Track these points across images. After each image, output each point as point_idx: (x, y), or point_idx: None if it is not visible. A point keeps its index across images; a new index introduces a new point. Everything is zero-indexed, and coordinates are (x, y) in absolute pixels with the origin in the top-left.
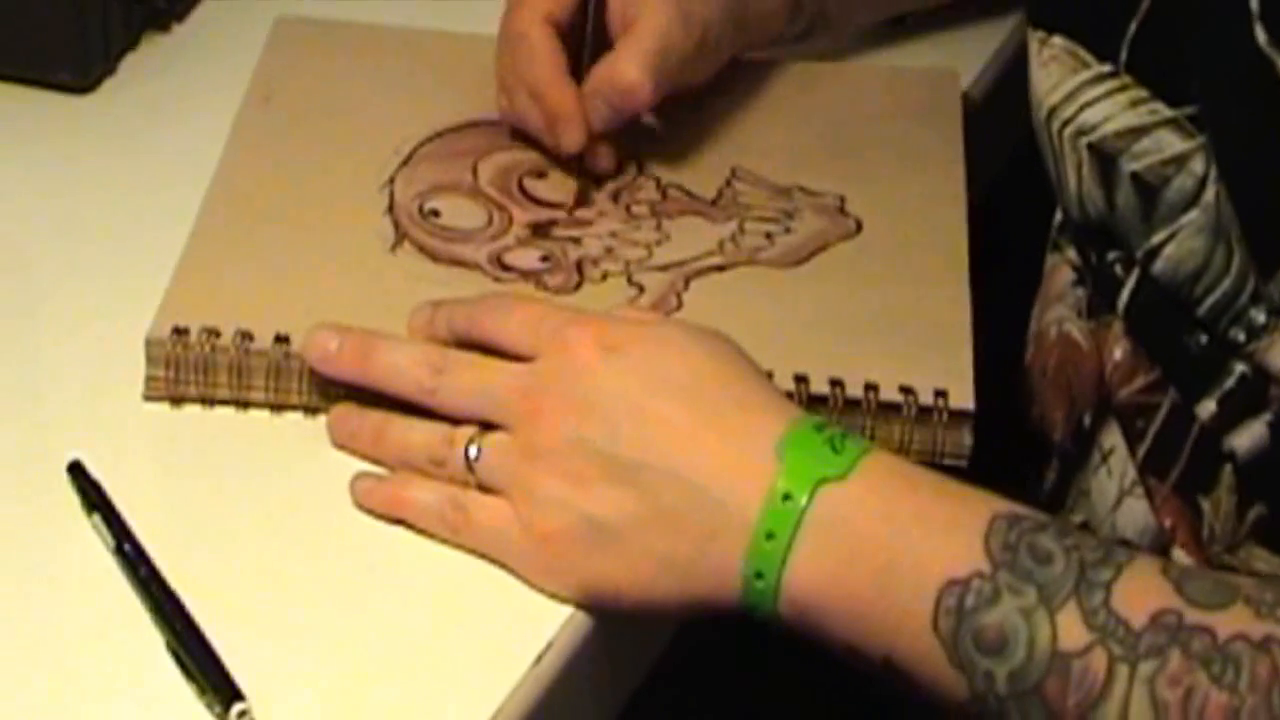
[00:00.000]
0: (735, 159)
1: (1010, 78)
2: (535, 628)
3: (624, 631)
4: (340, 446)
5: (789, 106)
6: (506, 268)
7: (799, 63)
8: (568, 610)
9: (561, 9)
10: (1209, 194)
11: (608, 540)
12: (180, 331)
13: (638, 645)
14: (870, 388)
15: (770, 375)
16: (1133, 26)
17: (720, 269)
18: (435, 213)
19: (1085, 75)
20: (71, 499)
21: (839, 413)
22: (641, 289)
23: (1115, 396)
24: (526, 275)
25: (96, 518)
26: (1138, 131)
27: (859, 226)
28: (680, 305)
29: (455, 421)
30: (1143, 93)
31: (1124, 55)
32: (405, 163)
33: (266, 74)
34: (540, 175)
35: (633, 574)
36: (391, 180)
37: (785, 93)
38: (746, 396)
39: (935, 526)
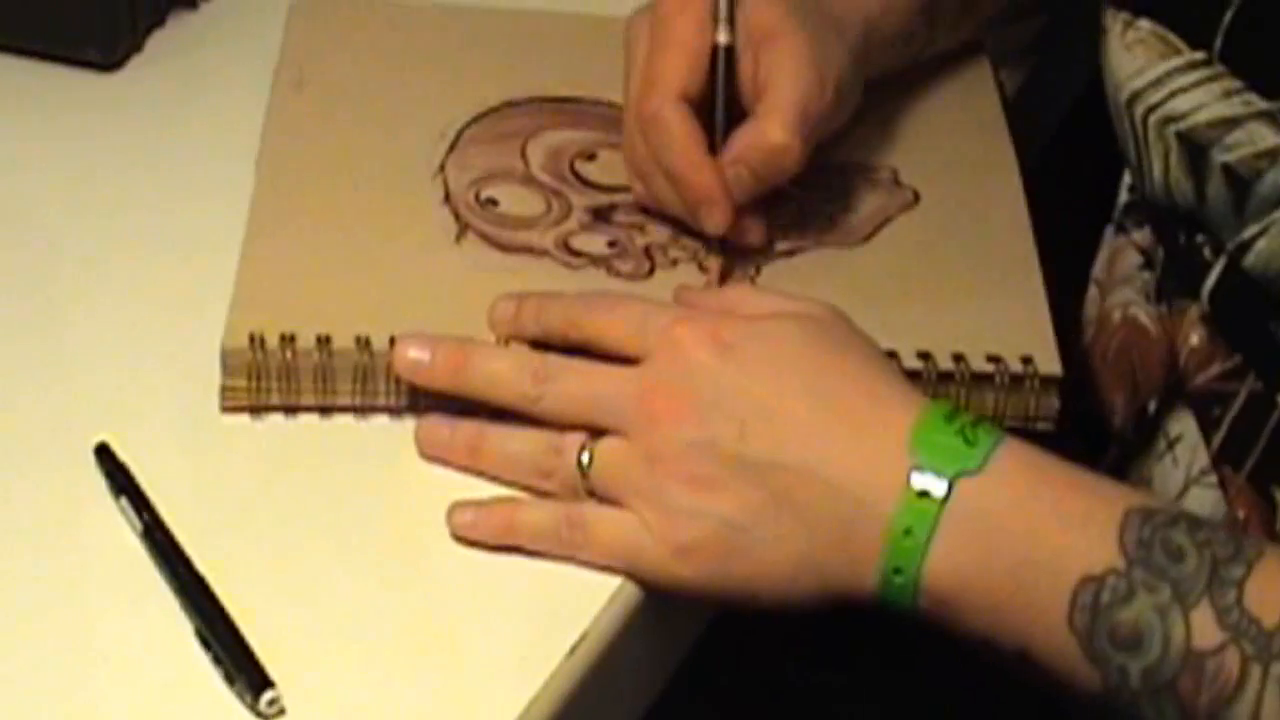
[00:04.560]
0: None
1: (1035, 78)
2: (570, 618)
3: (658, 623)
4: (431, 459)
5: None
6: (575, 253)
7: None
8: (602, 601)
9: (694, 85)
10: None
11: (745, 543)
12: (257, 339)
13: (672, 636)
14: (959, 358)
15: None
16: (1228, 16)
17: (788, 254)
18: (493, 201)
19: (1176, 61)
20: (98, 482)
21: (932, 386)
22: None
23: (1190, 383)
24: (596, 261)
25: (124, 501)
26: (1230, 123)
27: (916, 197)
28: None
29: (559, 429)
30: (1237, 83)
31: (1218, 44)
32: (452, 148)
33: (293, 56)
34: (590, 158)
35: (771, 575)
36: (442, 167)
37: None
38: (873, 386)
39: (1071, 521)
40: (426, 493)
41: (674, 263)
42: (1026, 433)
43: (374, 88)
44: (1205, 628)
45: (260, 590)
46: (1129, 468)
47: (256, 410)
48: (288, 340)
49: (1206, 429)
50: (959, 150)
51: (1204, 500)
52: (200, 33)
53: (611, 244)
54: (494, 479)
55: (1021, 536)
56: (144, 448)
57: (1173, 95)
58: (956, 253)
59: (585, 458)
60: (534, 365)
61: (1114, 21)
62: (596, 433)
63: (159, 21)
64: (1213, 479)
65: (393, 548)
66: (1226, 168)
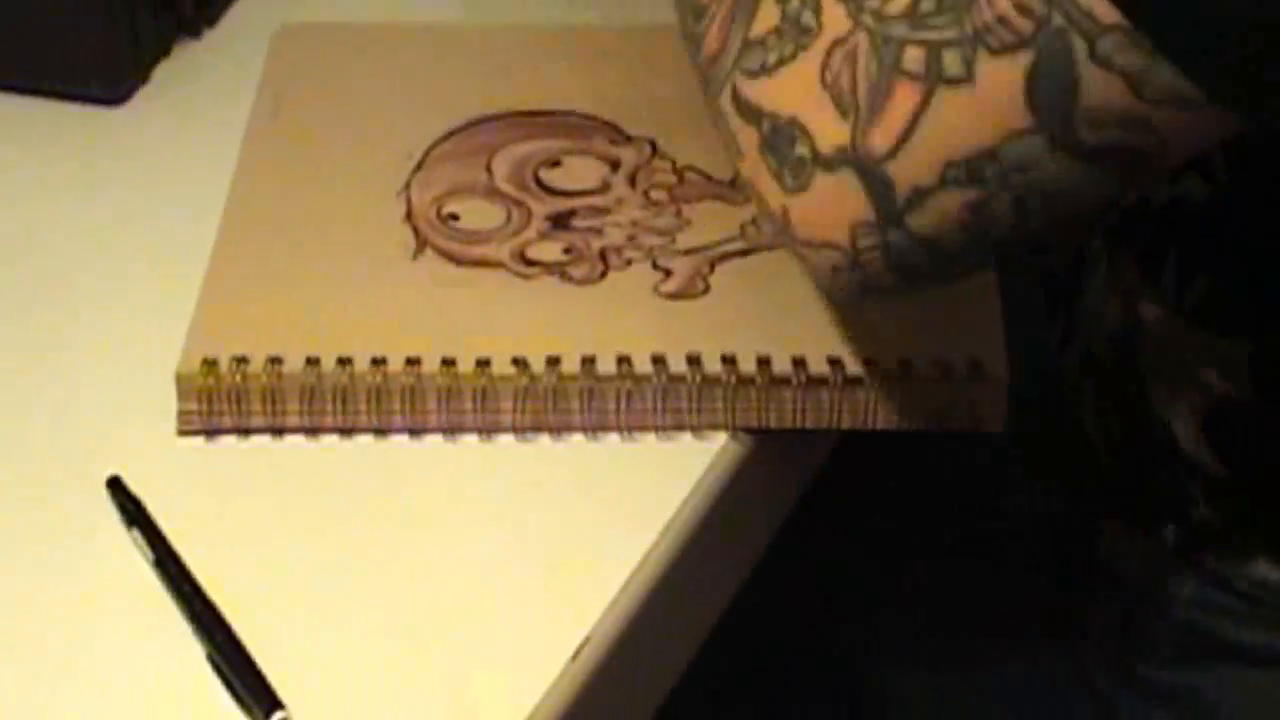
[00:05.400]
0: None
1: None
2: (572, 622)
3: (662, 625)
4: None
5: None
6: (530, 262)
7: None
8: (603, 605)
9: None
10: None
11: None
12: (210, 363)
13: (676, 641)
14: (905, 363)
15: (803, 359)
16: None
17: (744, 253)
18: (454, 216)
19: None
20: (110, 516)
21: (875, 391)
22: (668, 273)
23: None
24: (550, 268)
25: (136, 532)
26: None
27: None
28: (707, 289)
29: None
30: None
31: None
32: (419, 166)
33: (272, 84)
34: (554, 165)
35: None
36: (407, 186)
37: None
38: None
39: None
40: (426, 510)
41: (628, 263)
42: (975, 436)
43: (348, 111)
44: None
45: (270, 614)
46: None
47: (210, 434)
48: (239, 363)
49: None
50: None
51: None
52: (206, 61)
53: (567, 250)
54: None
55: None
56: (152, 477)
57: None
58: None
59: None
60: None
61: None
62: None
63: (164, 52)
64: None
65: (393, 565)
66: None
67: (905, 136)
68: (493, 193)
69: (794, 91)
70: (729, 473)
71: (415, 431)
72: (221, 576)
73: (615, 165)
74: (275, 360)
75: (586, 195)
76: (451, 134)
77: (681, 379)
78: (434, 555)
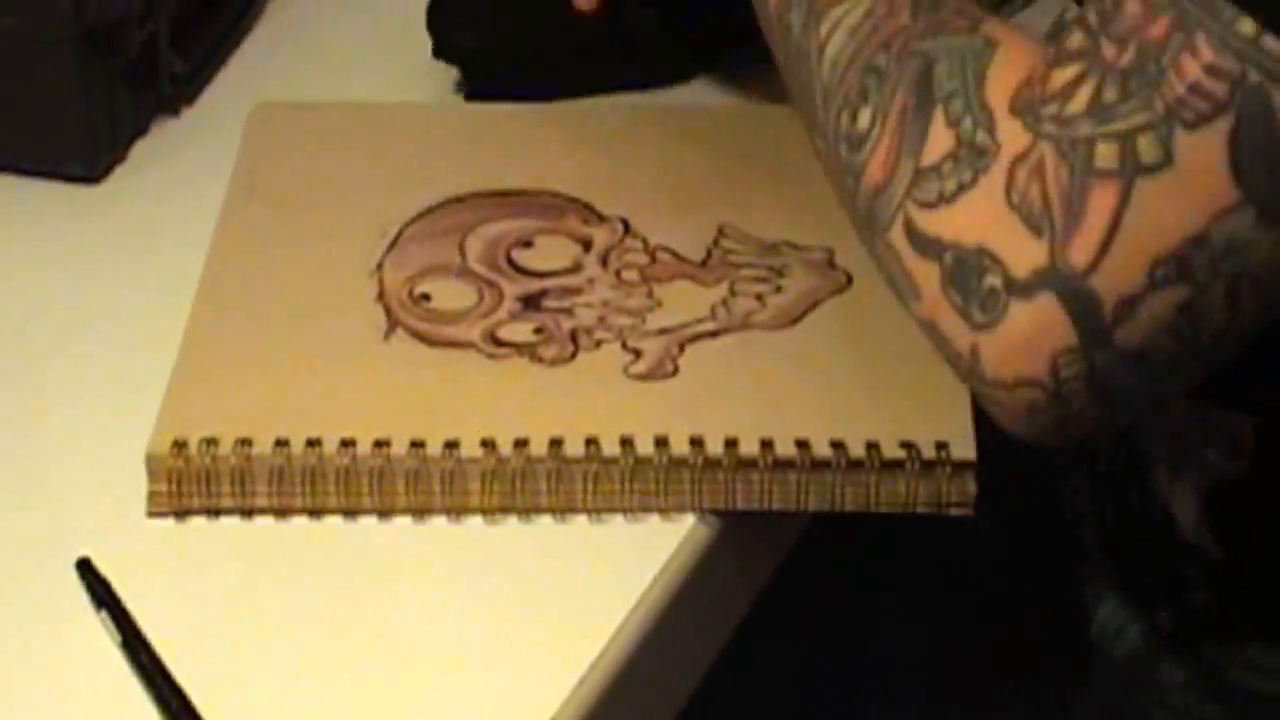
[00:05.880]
0: (722, 215)
1: None
2: (538, 706)
3: (628, 708)
4: None
5: (774, 156)
6: (500, 343)
7: (785, 109)
8: (569, 687)
9: None
10: None
11: None
12: (180, 444)
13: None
14: (872, 446)
15: (770, 442)
16: None
17: (714, 334)
18: (426, 296)
19: None
20: (79, 597)
21: (842, 473)
22: (638, 354)
23: None
24: (520, 349)
25: (104, 614)
26: None
27: (849, 280)
28: (676, 370)
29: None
30: None
31: None
32: (392, 246)
33: (247, 164)
34: (527, 245)
35: None
36: (380, 265)
37: (771, 142)
38: None
39: None
40: (394, 592)
41: (598, 344)
42: (941, 519)
43: (323, 191)
44: None
45: (236, 693)
46: None
47: (180, 514)
48: (209, 444)
49: None
50: None
51: None
52: (184, 140)
53: (538, 330)
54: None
55: None
56: (122, 557)
57: None
58: (883, 338)
59: None
60: None
61: None
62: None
63: (142, 130)
64: None
65: (361, 647)
66: None
67: (1108, 242)
68: (465, 273)
69: (978, 218)
70: (697, 554)
71: (384, 513)
72: (190, 657)
73: (588, 245)
74: (244, 442)
75: (558, 275)
76: (425, 213)
77: (649, 461)
78: (401, 637)
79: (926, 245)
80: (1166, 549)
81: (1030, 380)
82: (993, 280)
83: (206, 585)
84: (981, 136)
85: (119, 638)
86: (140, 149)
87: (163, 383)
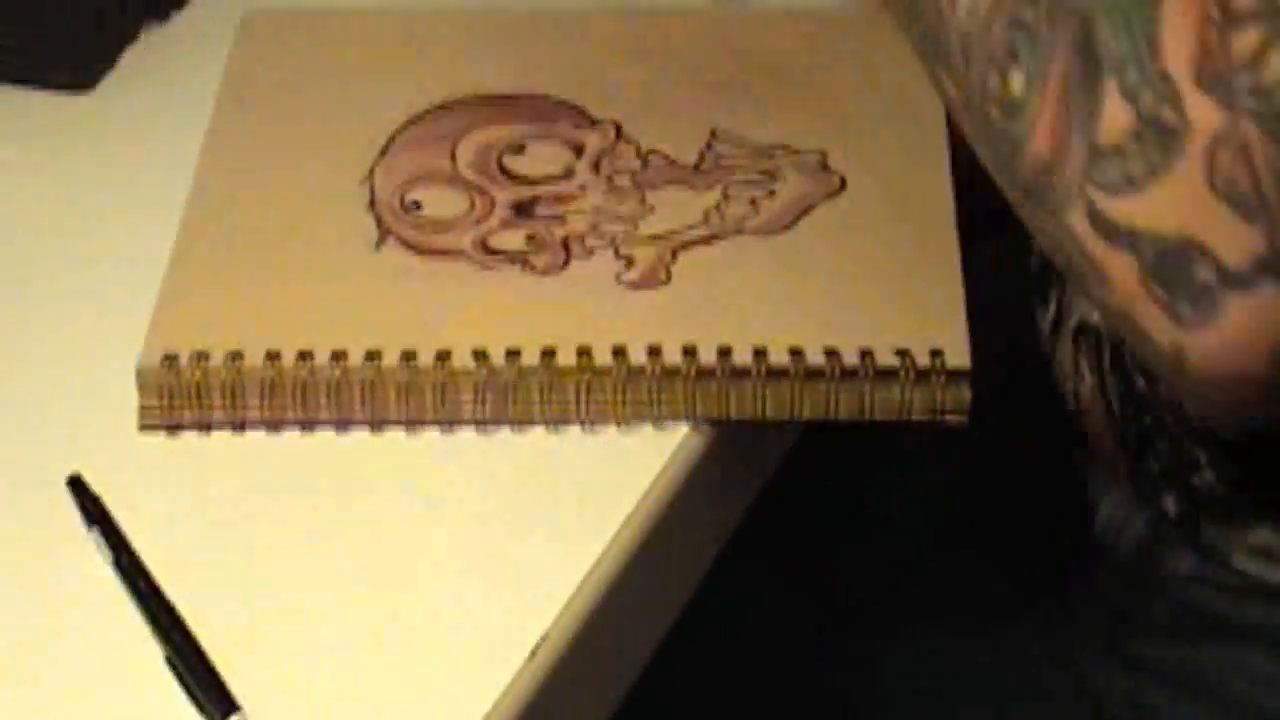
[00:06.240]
0: (715, 119)
1: None
2: (531, 619)
3: (622, 621)
4: None
5: (767, 57)
6: (491, 252)
7: (774, 10)
8: (562, 601)
9: None
10: None
11: None
12: (170, 358)
13: (634, 639)
14: (866, 354)
15: (763, 350)
16: None
17: (707, 240)
18: (417, 205)
19: None
20: (71, 513)
21: (836, 382)
22: (630, 261)
23: None
24: (512, 258)
25: (96, 531)
26: None
27: (843, 184)
28: (669, 277)
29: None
30: None
31: None
32: (383, 153)
33: (236, 73)
34: (519, 151)
35: None
36: (371, 174)
37: (764, 44)
38: None
39: None
40: (386, 505)
41: (590, 252)
42: (935, 424)
43: (315, 100)
44: None
45: (227, 609)
46: None
47: (171, 429)
48: (200, 358)
49: None
50: (892, 134)
51: None
52: (174, 45)
53: (530, 238)
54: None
55: None
56: (113, 471)
57: None
58: (877, 244)
59: None
60: None
61: None
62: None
63: (131, 36)
64: None
65: (353, 561)
66: None
67: None
68: (455, 180)
69: (1178, 206)
70: (690, 464)
71: (376, 425)
72: (182, 573)
73: (579, 150)
74: (235, 355)
75: (550, 182)
76: (416, 119)
77: (642, 371)
78: (394, 550)
79: (1118, 234)
80: (1174, 431)
81: (1247, 377)
82: (1204, 273)
83: (198, 499)
84: (1168, 114)
85: (111, 556)
86: (130, 56)
87: (152, 295)
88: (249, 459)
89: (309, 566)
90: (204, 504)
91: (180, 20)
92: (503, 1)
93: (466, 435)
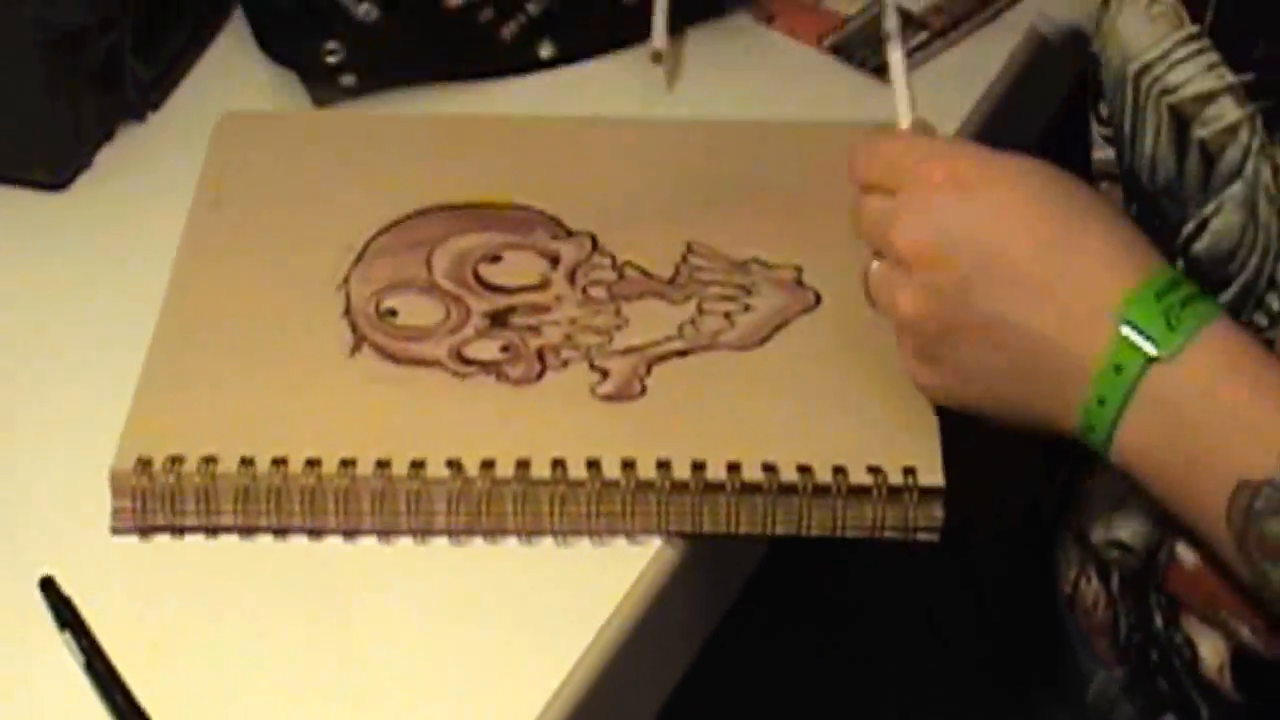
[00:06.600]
0: (691, 232)
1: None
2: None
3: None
4: None
5: (743, 170)
6: (467, 361)
7: (753, 122)
8: (535, 713)
9: None
10: (1249, 167)
11: (972, 375)
12: (145, 462)
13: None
14: (839, 470)
15: (737, 465)
16: None
17: (682, 354)
18: (392, 312)
19: (1179, 34)
20: (44, 615)
21: (809, 499)
22: (605, 374)
23: None
24: (487, 367)
25: (68, 634)
26: (1208, 97)
27: (818, 299)
28: (643, 390)
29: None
30: (1216, 56)
31: (1209, 16)
32: (359, 259)
33: (213, 174)
34: (495, 260)
35: (996, 405)
36: (346, 280)
37: (740, 155)
38: (1096, 243)
39: (1244, 423)
40: (359, 613)
41: (565, 364)
42: (909, 544)
43: (290, 203)
44: None
45: (202, 715)
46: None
47: (144, 531)
48: (174, 462)
49: None
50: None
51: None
52: (150, 146)
53: (504, 348)
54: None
55: (1198, 429)
56: (86, 574)
57: (1171, 67)
58: (851, 361)
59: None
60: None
61: None
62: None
63: (108, 136)
64: None
65: (326, 667)
66: (1201, 143)
67: None
68: (432, 289)
69: None
70: (663, 577)
71: (349, 533)
72: (154, 677)
73: (555, 260)
74: (209, 460)
75: (526, 292)
76: (392, 225)
77: (615, 484)
78: (366, 658)
79: None
80: (1182, 678)
81: None
82: None
83: (170, 604)
84: None
85: (82, 659)
86: (106, 155)
87: (127, 394)
88: (222, 564)
89: (280, 673)
90: (176, 609)
91: (156, 121)
92: (479, 107)
93: (440, 545)
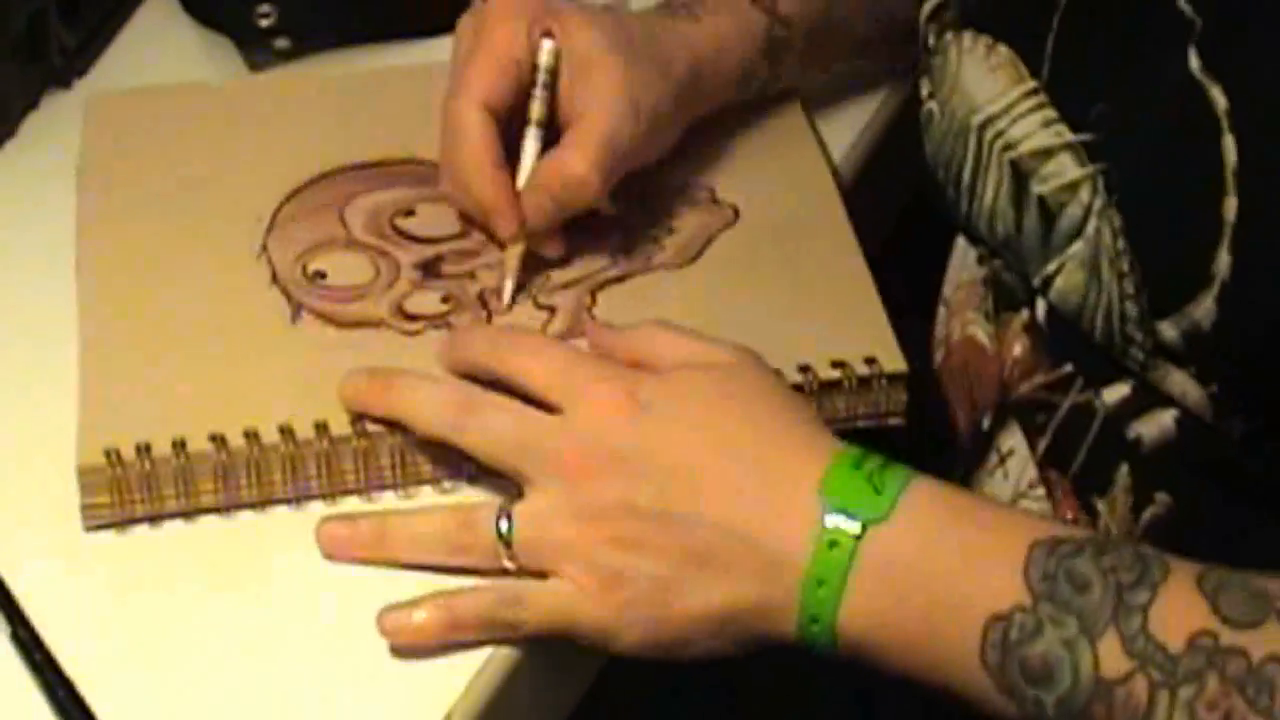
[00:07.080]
0: None
1: (884, 150)
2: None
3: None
4: (338, 559)
5: None
6: (411, 317)
7: None
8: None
9: (501, 95)
10: (1090, 227)
11: (674, 598)
12: (113, 453)
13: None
14: (805, 368)
15: None
16: (1049, 43)
17: (620, 279)
18: (321, 274)
19: (1020, 89)
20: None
21: None
22: (552, 310)
23: (1014, 391)
24: (434, 321)
25: None
26: (1045, 153)
27: (736, 213)
28: (593, 320)
29: (479, 467)
30: (1053, 113)
31: (1045, 70)
32: (271, 227)
33: (96, 160)
34: (409, 213)
35: (702, 627)
36: (265, 248)
37: None
38: (783, 436)
39: (976, 560)
40: (294, 584)
41: (510, 306)
42: (879, 431)
43: (183, 179)
44: (1113, 657)
45: (127, 692)
46: (971, 484)
47: (122, 524)
48: (144, 450)
49: (1031, 437)
50: (770, 165)
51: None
52: (77, 112)
53: (445, 299)
54: (401, 566)
55: (930, 579)
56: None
57: (1014, 122)
58: (785, 264)
59: (504, 525)
60: (461, 396)
61: (975, 44)
62: (509, 493)
63: (32, 104)
64: (1040, 491)
65: (263, 641)
66: (1041, 199)
67: None
68: (354, 244)
69: None
70: None
71: (331, 497)
72: (87, 658)
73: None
74: (180, 442)
75: (450, 240)
76: (295, 192)
77: None
78: (302, 630)
79: None
80: None
81: None
82: None
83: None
84: None
85: (8, 630)
86: (31, 122)
87: (56, 370)
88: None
89: (219, 649)
90: (120, 591)
91: (82, 87)
92: (349, 62)
93: (426, 493)
